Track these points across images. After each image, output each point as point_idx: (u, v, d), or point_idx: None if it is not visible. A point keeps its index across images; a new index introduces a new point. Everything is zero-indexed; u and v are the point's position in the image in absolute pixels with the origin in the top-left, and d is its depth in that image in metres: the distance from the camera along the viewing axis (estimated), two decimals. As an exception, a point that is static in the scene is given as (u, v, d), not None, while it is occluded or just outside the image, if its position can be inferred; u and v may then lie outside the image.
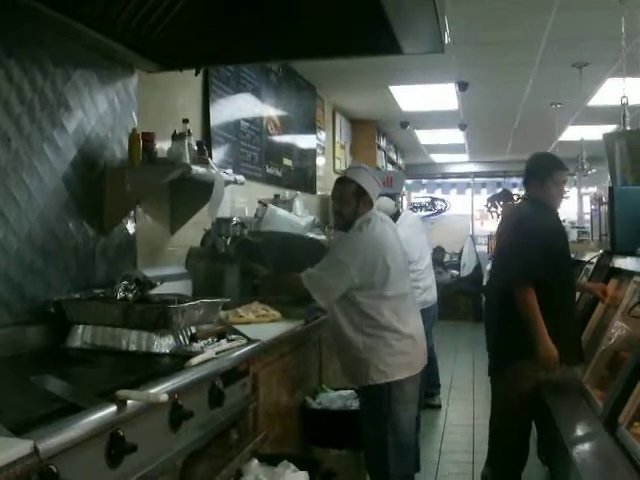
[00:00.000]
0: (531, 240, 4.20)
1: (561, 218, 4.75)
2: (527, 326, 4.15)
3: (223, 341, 3.24)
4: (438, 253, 15.13)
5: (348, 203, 4.08)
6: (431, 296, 6.32)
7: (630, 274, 4.41)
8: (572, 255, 4.88)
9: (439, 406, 7.42)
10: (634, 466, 2.83)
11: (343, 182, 4.16)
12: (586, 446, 3.36)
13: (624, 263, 4.54)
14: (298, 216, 5.89)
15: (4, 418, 1.87)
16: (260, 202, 5.30)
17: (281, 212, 5.53)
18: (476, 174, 18.73)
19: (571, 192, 13.86)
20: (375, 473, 4.05)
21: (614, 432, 3.23)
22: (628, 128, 5.65)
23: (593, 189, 12.08)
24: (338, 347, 4.14)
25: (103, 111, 3.80)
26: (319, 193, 9.16)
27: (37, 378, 2.45)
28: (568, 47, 7.13)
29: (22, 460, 1.70)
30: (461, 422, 6.94)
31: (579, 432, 3.58)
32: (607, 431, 3.29)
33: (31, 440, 1.74)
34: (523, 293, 4.13)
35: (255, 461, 3.18)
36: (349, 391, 4.49)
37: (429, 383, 6.80)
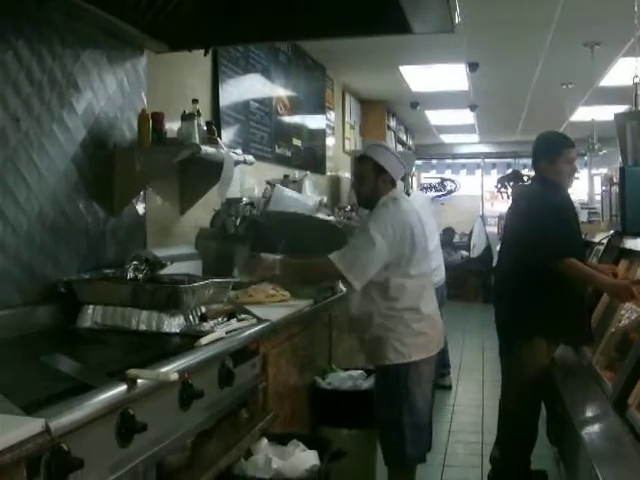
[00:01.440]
0: (550, 215, 4.20)
1: (572, 199, 4.73)
2: (589, 283, 4.31)
3: (233, 321, 3.24)
4: (448, 234, 15.14)
5: (366, 181, 4.05)
6: (439, 277, 6.31)
7: (641, 255, 4.41)
8: (583, 236, 4.86)
9: (450, 387, 7.43)
10: (643, 447, 2.83)
11: (361, 160, 4.13)
12: (595, 427, 3.36)
13: (634, 244, 4.52)
14: (305, 196, 5.87)
15: (15, 397, 1.88)
16: (268, 182, 5.30)
17: (288, 192, 5.52)
18: (486, 155, 18.68)
19: (582, 173, 13.81)
20: (391, 454, 4.05)
21: (623, 413, 3.22)
22: (640, 108, 5.62)
23: (604, 170, 12.05)
24: (356, 326, 4.12)
25: (112, 91, 3.79)
26: (329, 173, 9.15)
27: (48, 358, 2.46)
28: (580, 27, 7.07)
29: (33, 438, 1.71)
30: (470, 403, 6.94)
31: (588, 413, 3.58)
32: (616, 412, 3.29)
33: (42, 419, 1.76)
34: (566, 263, 4.14)
35: (265, 440, 3.20)
36: (359, 371, 4.50)
37: (440, 364, 6.81)
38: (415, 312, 3.91)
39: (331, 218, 5.78)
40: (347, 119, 10.47)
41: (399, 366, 3.90)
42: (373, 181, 4.01)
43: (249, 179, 5.75)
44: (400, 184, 6.32)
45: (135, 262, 3.33)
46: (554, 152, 4.41)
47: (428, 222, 6.26)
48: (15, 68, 3.04)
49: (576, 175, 4.59)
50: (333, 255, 3.81)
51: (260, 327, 3.33)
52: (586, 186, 15.65)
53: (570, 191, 4.60)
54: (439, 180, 18.25)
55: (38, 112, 3.18)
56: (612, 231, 5.28)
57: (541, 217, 4.21)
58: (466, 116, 12.99)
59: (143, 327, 3.06)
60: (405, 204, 4.01)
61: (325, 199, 7.07)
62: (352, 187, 4.35)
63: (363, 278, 3.81)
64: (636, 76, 5.68)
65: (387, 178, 4.02)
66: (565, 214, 4.31)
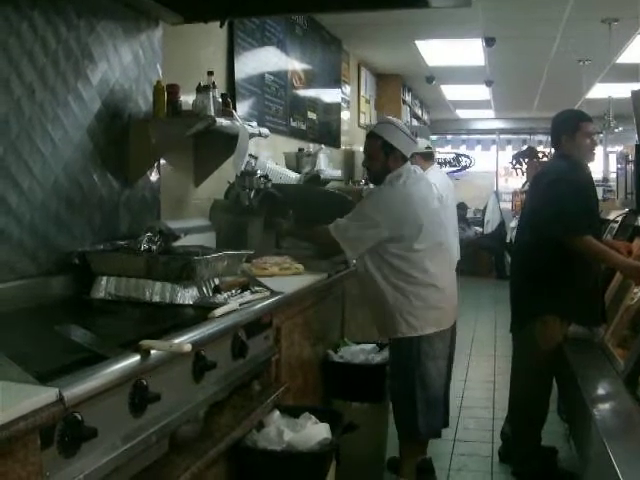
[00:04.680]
0: (571, 192, 4.18)
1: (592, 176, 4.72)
2: (604, 262, 4.31)
3: (246, 293, 3.25)
4: (460, 209, 15.10)
5: (376, 158, 4.07)
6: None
7: (655, 233, 4.39)
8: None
9: None
10: (654, 424, 2.84)
11: (370, 137, 4.15)
12: (606, 404, 3.37)
13: (649, 222, 4.51)
14: (288, 170, 5.85)
15: (30, 366, 1.89)
16: (250, 155, 5.28)
17: (271, 165, 5.52)
18: (501, 131, 18.60)
19: (597, 150, 13.75)
20: (403, 427, 4.09)
21: (634, 390, 3.23)
22: (657, 85, 5.58)
23: (619, 147, 11.98)
24: (369, 299, 4.15)
25: (127, 63, 3.79)
26: (343, 147, 9.13)
27: (62, 328, 2.47)
28: (598, 2, 7.00)
29: (47, 407, 1.72)
30: (482, 378, 6.96)
31: (599, 390, 3.58)
32: (627, 389, 3.30)
33: (56, 388, 1.77)
34: (583, 241, 4.13)
35: (277, 412, 3.21)
36: (371, 345, 4.51)
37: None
38: (427, 285, 3.93)
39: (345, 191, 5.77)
40: (362, 93, 10.43)
41: (411, 339, 3.93)
42: (383, 158, 4.03)
43: (264, 152, 5.74)
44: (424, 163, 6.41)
45: (149, 234, 3.33)
46: (573, 126, 4.41)
47: (447, 203, 6.31)
48: (30, 39, 3.03)
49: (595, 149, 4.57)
50: (332, 224, 3.97)
51: (273, 300, 3.33)
52: (601, 164, 15.57)
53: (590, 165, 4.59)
54: (454, 155, 18.17)
55: (53, 83, 3.18)
56: (627, 209, 5.27)
57: (560, 193, 4.20)
58: (482, 91, 12.91)
59: (157, 298, 3.07)
60: (411, 179, 4.02)
61: (340, 172, 7.07)
62: (363, 164, 4.36)
63: (356, 248, 3.96)
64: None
65: (397, 155, 4.03)
66: (584, 191, 4.31)
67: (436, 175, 6.57)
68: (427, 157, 6.79)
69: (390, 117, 4.60)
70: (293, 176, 5.72)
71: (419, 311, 3.92)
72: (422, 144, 6.80)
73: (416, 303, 3.92)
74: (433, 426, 4.06)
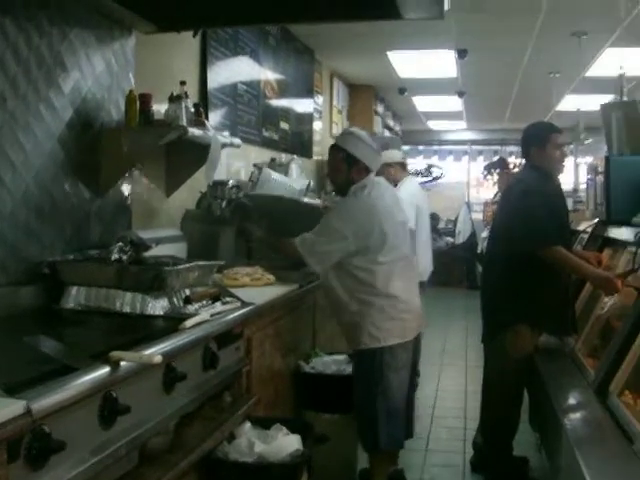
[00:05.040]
0: (541, 204, 4.21)
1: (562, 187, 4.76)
2: (574, 273, 4.37)
3: (217, 304, 3.24)
4: (432, 220, 15.13)
5: (339, 170, 4.07)
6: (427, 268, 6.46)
7: (624, 244, 4.43)
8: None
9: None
10: (624, 434, 2.85)
11: (333, 149, 4.15)
12: (577, 414, 3.39)
13: (619, 233, 4.55)
14: (292, 180, 5.86)
15: (-3, 378, 1.87)
16: (255, 165, 5.29)
17: (276, 176, 5.51)
18: (473, 142, 18.71)
19: (567, 161, 13.85)
20: (365, 437, 4.09)
21: (605, 400, 3.25)
22: (625, 99, 5.64)
23: (589, 159, 12.08)
24: (333, 311, 4.16)
25: (100, 72, 3.77)
26: (315, 157, 9.14)
27: (30, 339, 2.45)
28: (568, 16, 7.06)
29: (15, 420, 1.70)
30: (454, 388, 6.97)
31: (570, 400, 3.60)
32: (598, 399, 3.32)
33: (24, 400, 1.75)
34: (554, 251, 4.16)
35: (248, 424, 3.20)
36: (343, 356, 4.51)
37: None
38: (389, 297, 3.95)
39: (317, 202, 5.77)
40: (335, 103, 10.46)
41: (374, 350, 3.94)
42: (346, 170, 4.04)
43: (236, 162, 5.74)
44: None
45: (120, 243, 3.31)
46: (543, 138, 4.45)
47: (423, 213, 6.42)
48: (1, 46, 3.00)
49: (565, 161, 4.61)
50: (298, 238, 3.96)
51: (244, 310, 3.33)
52: (572, 175, 15.69)
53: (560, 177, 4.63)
54: (426, 166, 18.23)
55: (24, 91, 3.15)
56: (596, 219, 5.31)
57: (530, 205, 4.23)
58: (454, 103, 12.97)
59: (127, 309, 3.05)
60: (375, 191, 4.03)
61: (312, 183, 7.07)
62: (327, 176, 4.38)
63: (323, 262, 3.95)
64: (621, 67, 5.70)
65: (360, 166, 4.03)
66: (554, 202, 4.35)
67: (412, 185, 6.69)
68: (404, 167, 6.87)
69: (353, 128, 4.60)
70: (298, 187, 5.69)
71: (382, 322, 3.93)
72: (398, 154, 6.89)
73: (379, 315, 3.93)
74: (394, 437, 4.04)
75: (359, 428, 4.09)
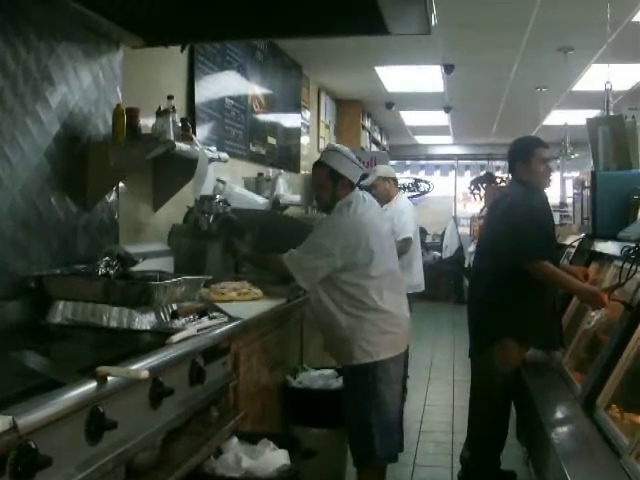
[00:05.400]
0: (528, 218, 4.23)
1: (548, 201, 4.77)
2: (562, 287, 4.37)
3: (204, 318, 3.24)
4: (420, 234, 15.14)
5: (324, 187, 4.07)
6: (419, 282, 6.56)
7: (611, 258, 4.44)
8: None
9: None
10: (611, 448, 2.86)
11: (317, 166, 4.15)
12: (564, 428, 3.39)
13: (605, 247, 4.56)
14: (255, 195, 5.85)
15: (-17, 394, 1.86)
16: (218, 180, 5.28)
17: (239, 190, 5.52)
18: (460, 156, 18.76)
19: (554, 176, 13.90)
20: (360, 453, 4.05)
21: (592, 414, 3.26)
22: (611, 114, 5.66)
23: (576, 173, 12.12)
24: (322, 327, 4.14)
25: (87, 86, 3.76)
26: (303, 172, 9.14)
27: (17, 354, 2.44)
28: (554, 31, 7.13)
29: (1, 436, 1.70)
30: (441, 402, 6.97)
31: (557, 414, 3.60)
32: (585, 413, 3.32)
33: (10, 416, 1.74)
34: (541, 266, 4.17)
35: (235, 439, 3.19)
36: (330, 370, 4.50)
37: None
38: (379, 311, 3.94)
39: (305, 217, 5.79)
40: (322, 118, 10.48)
41: (367, 365, 3.92)
42: (331, 186, 4.04)
43: (223, 177, 5.73)
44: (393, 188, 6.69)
45: (107, 258, 3.30)
46: (528, 152, 4.46)
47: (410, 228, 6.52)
48: (-12, 61, 3.01)
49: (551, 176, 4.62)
50: (286, 254, 3.96)
51: (232, 325, 3.32)
52: (558, 189, 15.75)
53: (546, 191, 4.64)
54: (413, 181, 18.28)
55: (11, 105, 3.15)
56: (583, 234, 5.33)
57: (516, 219, 4.24)
58: (441, 117, 13.03)
59: (114, 324, 3.04)
60: (361, 207, 4.03)
61: (299, 197, 7.07)
62: (312, 193, 4.38)
63: (310, 279, 3.94)
64: (608, 82, 5.73)
65: (345, 182, 4.04)
66: (540, 217, 4.35)
67: (406, 200, 6.86)
68: (396, 183, 6.98)
69: (336, 145, 4.62)
70: (261, 201, 5.71)
71: (373, 337, 3.92)
72: (390, 171, 7.00)
73: (370, 329, 3.92)
74: (390, 450, 4.04)
75: (353, 444, 4.07)
